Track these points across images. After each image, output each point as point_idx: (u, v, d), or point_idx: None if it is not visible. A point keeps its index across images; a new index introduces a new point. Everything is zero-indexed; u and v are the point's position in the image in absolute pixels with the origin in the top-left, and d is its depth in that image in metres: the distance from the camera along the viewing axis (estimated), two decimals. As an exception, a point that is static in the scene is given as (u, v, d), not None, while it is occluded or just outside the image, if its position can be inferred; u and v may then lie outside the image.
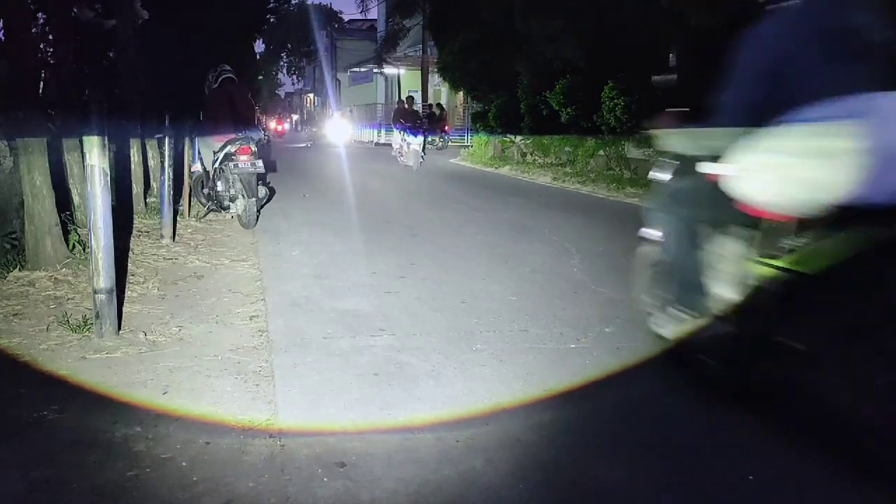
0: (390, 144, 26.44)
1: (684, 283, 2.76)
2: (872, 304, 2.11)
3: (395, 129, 15.84)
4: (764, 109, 2.30)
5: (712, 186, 2.49)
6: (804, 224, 2.26)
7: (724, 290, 2.59)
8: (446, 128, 23.01)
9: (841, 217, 2.12)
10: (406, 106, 16.34)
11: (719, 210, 2.50)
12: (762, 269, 2.38)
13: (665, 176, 2.95)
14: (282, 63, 54.15)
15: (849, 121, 2.02)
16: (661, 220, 2.87)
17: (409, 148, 14.66)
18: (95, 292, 3.30)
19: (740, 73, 2.43)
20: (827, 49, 2.31)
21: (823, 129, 2.09)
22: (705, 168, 2.60)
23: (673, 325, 2.85)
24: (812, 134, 2.12)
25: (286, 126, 47.13)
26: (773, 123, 2.25)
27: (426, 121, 18.11)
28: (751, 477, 2.17)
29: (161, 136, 6.79)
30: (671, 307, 2.85)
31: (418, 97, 24.47)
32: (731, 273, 2.57)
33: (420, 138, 14.72)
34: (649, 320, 3.10)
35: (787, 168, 2.17)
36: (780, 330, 2.32)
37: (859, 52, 2.31)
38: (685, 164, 2.78)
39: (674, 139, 2.87)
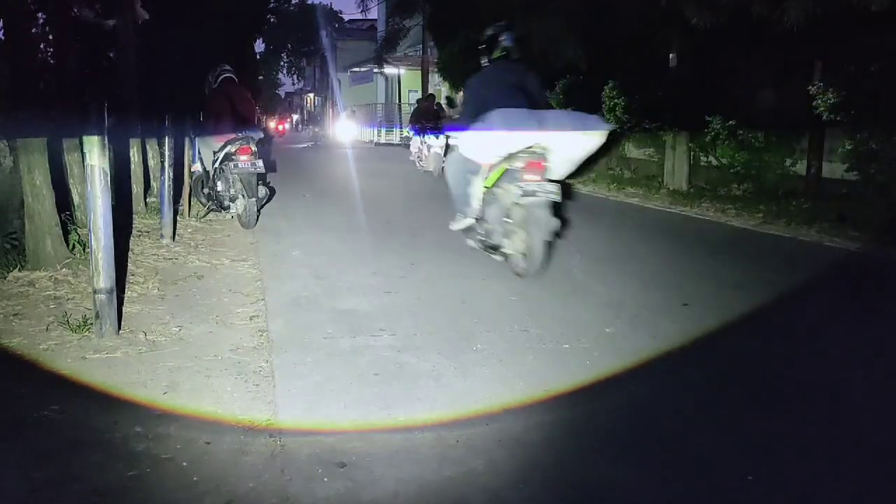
0: (390, 144, 26.56)
1: (460, 200, 4.96)
2: (503, 197, 4.63)
3: (412, 132, 14.14)
4: (474, 115, 4.64)
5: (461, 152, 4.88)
6: (492, 165, 4.70)
7: (477, 202, 4.87)
8: (445, 128, 22.85)
9: (498, 160, 4.62)
10: (422, 106, 14.79)
11: (469, 163, 4.77)
12: (484, 189, 4.81)
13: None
14: (282, 63, 54.19)
15: (485, 121, 4.44)
16: (449, 169, 5.07)
17: (429, 151, 13.05)
18: (95, 292, 3.30)
19: (467, 98, 5.08)
20: (495, 88, 4.80)
21: (480, 125, 4.48)
22: (453, 142, 5.16)
23: (458, 223, 5.07)
24: (478, 127, 4.50)
25: (286, 126, 47.13)
26: (475, 122, 4.56)
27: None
28: (750, 477, 2.17)
29: (161, 135, 6.79)
30: (457, 213, 5.05)
31: (418, 97, 24.41)
32: (478, 193, 4.85)
33: (442, 139, 12.69)
34: (450, 224, 5.21)
35: (475, 142, 4.63)
36: (486, 217, 4.87)
37: (510, 90, 4.75)
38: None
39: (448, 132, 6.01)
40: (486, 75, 5.00)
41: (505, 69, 4.94)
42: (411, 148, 14.58)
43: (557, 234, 4.92)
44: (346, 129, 29.40)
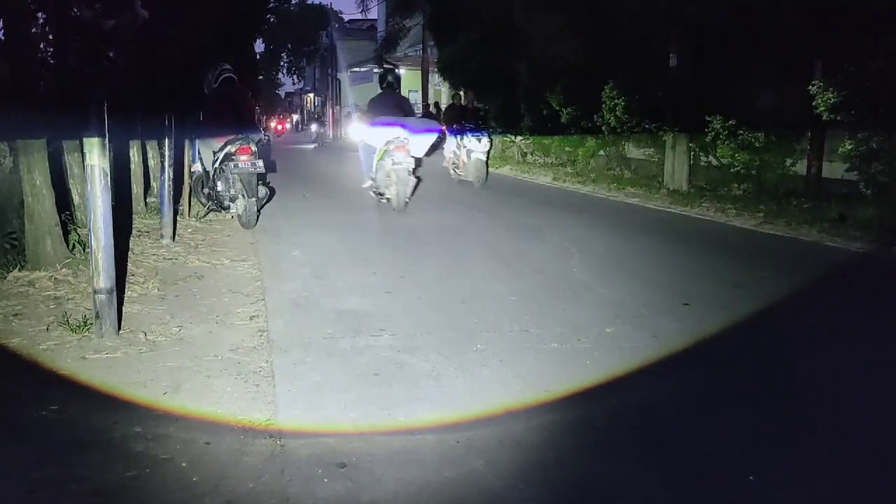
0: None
1: (367, 168, 8.38)
2: (385, 165, 8.11)
3: (448, 135, 11.48)
4: (372, 119, 8.35)
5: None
6: (380, 148, 8.00)
7: (374, 169, 8.08)
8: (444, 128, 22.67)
9: (382, 144, 8.05)
10: (457, 103, 12.96)
11: (371, 147, 8.20)
12: (377, 161, 8.01)
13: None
14: (282, 63, 54.15)
15: (376, 123, 8.19)
16: (361, 151, 8.89)
17: (469, 157, 10.74)
18: (95, 292, 3.29)
19: (368, 110, 8.66)
20: (384, 105, 8.41)
21: (376, 125, 8.18)
22: (361, 135, 9.18)
23: (365, 183, 8.50)
24: (373, 126, 8.23)
25: (287, 126, 47.13)
26: (373, 125, 8.24)
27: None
28: (751, 477, 2.17)
29: (161, 136, 6.78)
30: (365, 177, 8.47)
31: (418, 97, 24.39)
32: (374, 164, 8.02)
33: (486, 142, 10.70)
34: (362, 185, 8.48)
35: (370, 134, 8.30)
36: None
37: (392, 107, 8.35)
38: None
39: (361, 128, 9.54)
40: (379, 97, 8.58)
41: (389, 94, 8.61)
42: (445, 154, 11.86)
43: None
44: (354, 130, 29.35)
